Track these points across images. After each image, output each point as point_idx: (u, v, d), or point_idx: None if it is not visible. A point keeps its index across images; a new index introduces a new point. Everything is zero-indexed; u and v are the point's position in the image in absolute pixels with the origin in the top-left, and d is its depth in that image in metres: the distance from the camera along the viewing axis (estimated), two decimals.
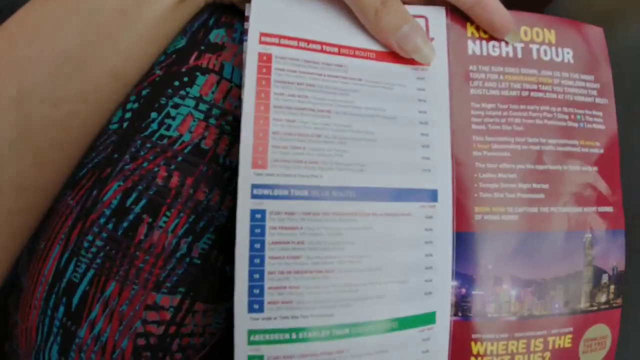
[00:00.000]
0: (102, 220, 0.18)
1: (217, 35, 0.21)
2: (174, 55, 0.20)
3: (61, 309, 0.18)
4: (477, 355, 0.20)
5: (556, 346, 0.20)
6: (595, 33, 0.22)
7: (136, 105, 0.19)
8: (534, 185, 0.20)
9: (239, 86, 0.21)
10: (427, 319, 0.19)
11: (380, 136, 0.19)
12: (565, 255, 0.20)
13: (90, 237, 0.18)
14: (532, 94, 0.21)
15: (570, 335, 0.20)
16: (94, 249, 0.18)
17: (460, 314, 0.20)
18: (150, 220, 0.18)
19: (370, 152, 0.19)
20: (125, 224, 0.18)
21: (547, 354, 0.20)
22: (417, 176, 0.19)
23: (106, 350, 0.18)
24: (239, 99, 0.20)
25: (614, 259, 0.21)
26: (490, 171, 0.20)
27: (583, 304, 0.20)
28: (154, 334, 0.18)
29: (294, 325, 0.17)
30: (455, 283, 0.19)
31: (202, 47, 0.20)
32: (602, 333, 0.21)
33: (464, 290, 0.20)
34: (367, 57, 0.19)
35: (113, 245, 0.18)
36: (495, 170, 0.20)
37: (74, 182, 0.19)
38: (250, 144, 0.18)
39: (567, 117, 0.21)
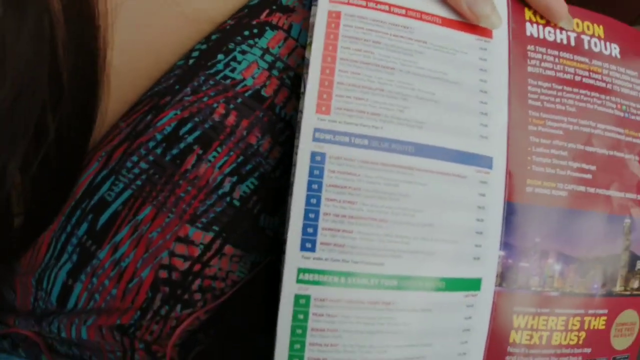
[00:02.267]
0: (151, 144, 0.18)
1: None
2: (246, 10, 0.21)
3: (84, 226, 0.18)
4: (518, 328, 0.20)
5: (591, 327, 0.20)
6: (638, 35, 0.24)
7: (204, 46, 0.20)
8: (583, 166, 0.21)
9: (304, 47, 0.21)
10: (473, 284, 0.19)
11: (441, 98, 0.19)
12: (607, 237, 0.21)
13: (135, 158, 0.18)
14: (584, 79, 0.22)
15: (604, 318, 0.20)
16: (136, 170, 0.18)
17: (504, 285, 0.20)
18: (200, 152, 0.18)
19: (430, 111, 0.19)
20: (174, 151, 0.18)
21: (583, 334, 0.20)
22: (474, 141, 0.20)
23: (123, 278, 0.18)
24: (303, 59, 0.21)
25: None
26: (544, 146, 0.21)
27: (618, 287, 0.21)
28: (178, 268, 0.18)
29: (344, 269, 0.17)
30: (502, 253, 0.20)
31: (274, 7, 0.21)
32: (631, 319, 0.21)
33: (510, 261, 0.20)
34: (433, 22, 0.20)
35: (157, 170, 0.18)
36: (548, 146, 0.21)
37: (129, 110, 0.19)
38: (315, 91, 0.18)
39: (614, 105, 0.22)
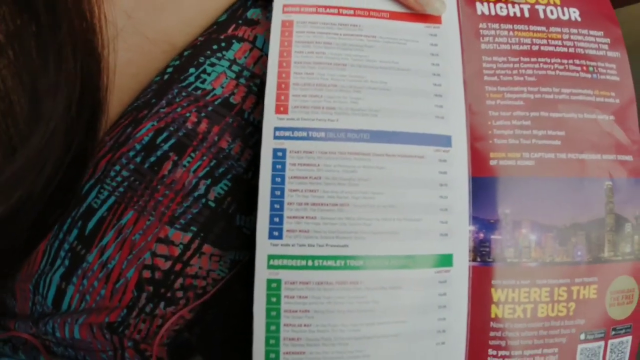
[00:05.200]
0: (131, 153, 0.21)
1: (253, 13, 0.25)
2: (214, 26, 0.24)
3: (74, 232, 0.21)
4: (498, 302, 0.20)
5: (581, 296, 0.20)
6: None
7: (178, 62, 0.23)
8: (550, 132, 0.21)
9: (268, 55, 0.24)
10: (444, 260, 0.20)
11: (393, 85, 0.21)
12: (586, 201, 0.21)
13: (117, 167, 0.21)
14: (542, 47, 0.23)
15: (595, 286, 0.20)
16: (119, 178, 0.21)
17: (479, 259, 0.21)
18: (176, 158, 0.21)
19: (383, 100, 0.21)
20: (152, 159, 0.21)
21: (572, 305, 0.20)
22: (430, 122, 0.21)
23: (110, 278, 0.21)
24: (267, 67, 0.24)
25: (637, 209, 0.21)
26: (504, 119, 0.22)
27: (607, 253, 0.21)
28: (160, 268, 0.21)
29: (310, 253, 0.19)
30: (472, 228, 0.21)
31: (240, 21, 0.24)
32: (628, 286, 0.21)
33: (482, 235, 0.21)
34: (381, 17, 0.22)
35: (138, 177, 0.21)
36: (509, 118, 0.22)
37: (112, 125, 0.23)
38: (273, 94, 0.21)
39: (579, 68, 0.22)
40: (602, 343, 0.21)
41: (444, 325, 0.20)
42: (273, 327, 0.19)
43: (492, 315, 0.20)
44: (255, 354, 0.19)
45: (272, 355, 0.19)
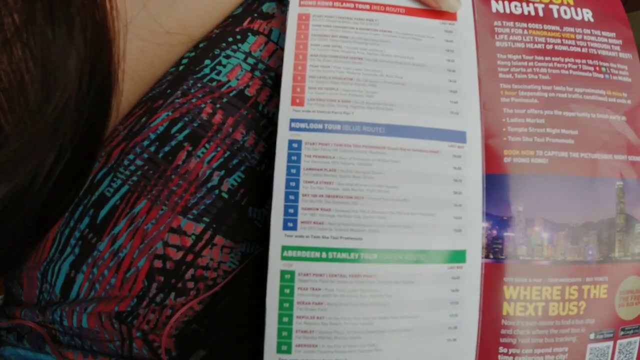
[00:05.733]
0: (145, 143, 0.21)
1: (268, 7, 0.25)
2: (230, 19, 0.24)
3: (86, 220, 0.21)
4: (510, 299, 0.20)
5: (591, 296, 0.21)
6: None
7: (193, 54, 0.23)
8: (563, 131, 0.22)
9: (284, 49, 0.25)
10: (457, 256, 0.20)
11: (408, 80, 0.22)
12: (597, 201, 0.21)
13: (131, 157, 0.21)
14: (555, 47, 0.23)
15: (605, 285, 0.21)
16: (132, 167, 0.21)
17: (491, 256, 0.21)
18: (190, 148, 0.21)
19: (399, 94, 0.21)
20: (167, 149, 0.21)
21: (583, 304, 0.21)
22: (445, 118, 0.21)
23: (121, 267, 0.21)
24: (282, 60, 0.24)
25: None
26: (518, 116, 0.22)
27: (617, 253, 0.21)
28: (172, 258, 0.21)
29: (324, 245, 0.19)
30: (486, 224, 0.21)
31: (255, 15, 0.24)
32: (637, 286, 0.21)
33: (495, 232, 0.21)
34: (397, 12, 0.23)
35: (152, 166, 0.21)
36: (523, 116, 0.22)
37: (127, 115, 0.23)
38: (289, 86, 0.21)
39: (592, 68, 0.23)
40: (610, 343, 0.22)
41: (455, 322, 0.20)
42: (286, 319, 0.19)
43: (504, 313, 0.21)
44: (267, 345, 0.19)
45: (284, 347, 0.19)
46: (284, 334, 0.19)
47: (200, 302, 0.22)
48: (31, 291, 0.23)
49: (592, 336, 0.21)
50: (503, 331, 0.21)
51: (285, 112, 0.21)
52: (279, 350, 0.19)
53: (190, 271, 0.21)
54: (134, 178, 0.21)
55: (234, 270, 0.22)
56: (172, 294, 0.21)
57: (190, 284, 0.21)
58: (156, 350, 0.22)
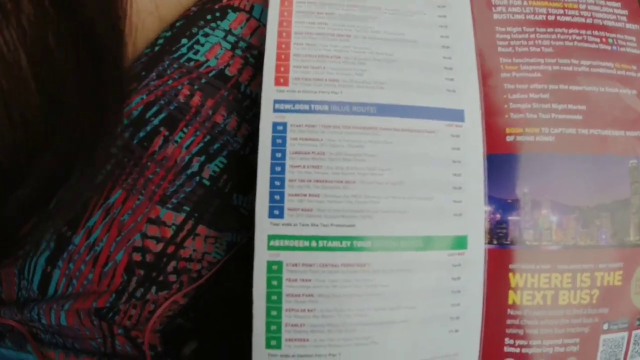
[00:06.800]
0: (119, 129, 0.20)
1: None
2: None
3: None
4: (516, 288, 0.19)
5: (605, 283, 0.19)
6: None
7: (169, 33, 0.22)
8: (570, 106, 0.20)
9: (266, 26, 0.24)
10: (458, 242, 0.19)
11: (400, 57, 0.20)
12: (610, 180, 0.20)
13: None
14: (558, 17, 0.22)
15: (620, 272, 0.19)
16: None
17: (495, 242, 0.20)
18: (167, 133, 0.20)
19: (390, 72, 0.20)
20: (141, 134, 0.20)
21: (595, 292, 0.19)
22: (440, 96, 0.20)
23: (98, 261, 0.20)
24: (265, 38, 0.23)
25: None
26: (521, 92, 0.21)
27: (632, 237, 0.20)
28: (151, 250, 0.20)
29: (314, 233, 0.18)
30: (488, 208, 0.20)
31: None
32: None
33: (498, 216, 0.20)
34: None
35: (126, 153, 0.20)
36: (526, 91, 0.21)
37: None
38: (273, 65, 0.20)
39: (598, 40, 0.21)
40: (625, 334, 0.20)
41: (457, 312, 0.19)
42: (274, 312, 0.18)
43: (510, 302, 0.19)
44: (255, 341, 0.18)
45: (274, 342, 0.18)
46: (273, 328, 0.18)
47: (185, 296, 0.21)
48: (10, 288, 0.22)
49: (605, 326, 0.20)
50: (509, 321, 0.19)
51: (269, 92, 0.20)
52: (268, 345, 0.18)
53: (172, 263, 0.20)
54: (108, 167, 0.20)
55: (220, 261, 0.21)
56: (153, 288, 0.20)
57: (173, 277, 0.20)
58: (140, 346, 0.21)
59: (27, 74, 0.14)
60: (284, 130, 0.19)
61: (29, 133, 0.14)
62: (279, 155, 0.19)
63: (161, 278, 0.20)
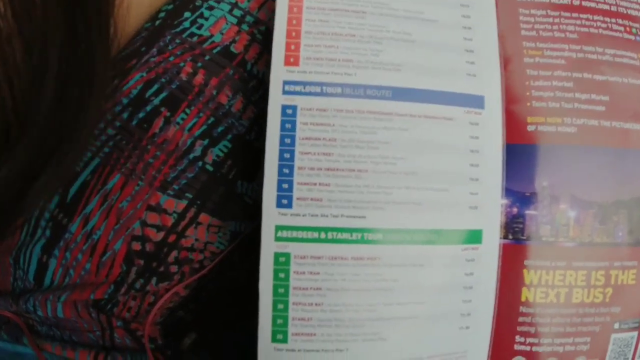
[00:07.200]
0: (117, 109, 0.19)
1: None
2: None
3: (55, 199, 0.19)
4: (530, 285, 0.19)
5: (619, 282, 0.19)
6: None
7: (171, 6, 0.21)
8: (593, 96, 0.20)
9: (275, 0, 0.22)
10: (472, 237, 0.19)
11: (418, 38, 0.19)
12: (629, 176, 0.19)
13: (101, 125, 0.19)
14: (583, 3, 0.21)
15: (634, 271, 0.19)
16: (103, 137, 0.19)
17: (511, 237, 0.19)
18: (168, 114, 0.19)
19: (407, 53, 0.19)
20: (141, 115, 0.19)
21: (609, 290, 0.19)
22: (460, 80, 0.19)
23: (96, 251, 0.19)
24: (274, 12, 0.21)
25: None
26: (544, 79, 0.20)
27: None
28: (151, 239, 0.19)
29: (323, 224, 0.17)
30: (505, 201, 0.19)
31: None
32: None
33: (515, 210, 0.19)
34: None
35: (124, 135, 0.19)
36: (549, 78, 0.20)
37: None
38: (282, 43, 0.19)
39: (622, 28, 0.20)
40: (635, 333, 0.20)
41: (469, 308, 0.18)
42: (281, 306, 0.17)
43: (522, 299, 0.19)
44: (260, 334, 0.17)
45: (280, 336, 0.17)
46: (279, 321, 0.18)
47: (186, 287, 0.20)
48: (5, 278, 0.21)
49: (616, 325, 0.20)
50: (521, 319, 0.19)
51: (278, 73, 0.18)
52: (274, 339, 0.18)
53: (174, 253, 0.19)
54: (106, 149, 0.19)
55: (223, 251, 0.20)
56: (154, 279, 0.19)
57: (174, 268, 0.19)
58: (140, 339, 0.20)
59: (13, 31, 0.13)
60: (294, 114, 0.18)
61: (15, 98, 0.14)
62: (288, 141, 0.18)
63: (162, 269, 0.19)
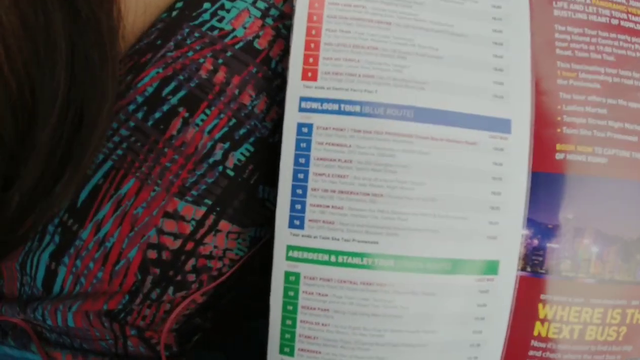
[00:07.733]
0: (131, 108, 0.18)
1: None
2: None
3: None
4: (544, 319, 0.18)
5: (634, 321, 0.18)
6: None
7: None
8: (627, 126, 0.18)
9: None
10: (488, 267, 0.18)
11: (446, 53, 0.18)
12: None
13: (114, 125, 0.18)
14: (622, 23, 0.19)
15: None
16: (116, 138, 0.18)
17: (529, 269, 0.18)
18: (186, 114, 0.18)
19: (433, 70, 0.18)
20: (157, 115, 0.18)
21: (623, 329, 0.18)
22: (486, 102, 0.18)
23: (109, 259, 0.18)
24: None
25: None
26: (577, 103, 0.18)
27: None
28: (168, 247, 0.18)
29: (334, 247, 0.17)
30: (526, 232, 0.18)
31: None
32: None
33: (536, 242, 0.18)
34: None
35: (139, 137, 0.18)
36: (582, 103, 0.18)
37: None
38: (300, 55, 0.18)
39: None
40: None
41: (479, 339, 0.18)
42: (289, 322, 0.17)
43: (535, 333, 0.18)
44: (270, 345, 0.18)
45: (287, 350, 0.18)
46: (287, 336, 0.18)
47: (203, 294, 0.20)
48: (11, 284, 0.21)
49: None
50: (531, 352, 0.19)
51: (295, 88, 0.18)
52: (282, 352, 0.18)
53: (191, 261, 0.19)
54: (119, 151, 0.18)
55: (242, 257, 0.20)
56: (171, 289, 0.19)
57: (192, 276, 0.19)
58: (154, 347, 0.20)
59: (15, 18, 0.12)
60: (309, 133, 0.17)
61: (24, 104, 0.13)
62: (302, 160, 0.17)
63: (179, 277, 0.19)
